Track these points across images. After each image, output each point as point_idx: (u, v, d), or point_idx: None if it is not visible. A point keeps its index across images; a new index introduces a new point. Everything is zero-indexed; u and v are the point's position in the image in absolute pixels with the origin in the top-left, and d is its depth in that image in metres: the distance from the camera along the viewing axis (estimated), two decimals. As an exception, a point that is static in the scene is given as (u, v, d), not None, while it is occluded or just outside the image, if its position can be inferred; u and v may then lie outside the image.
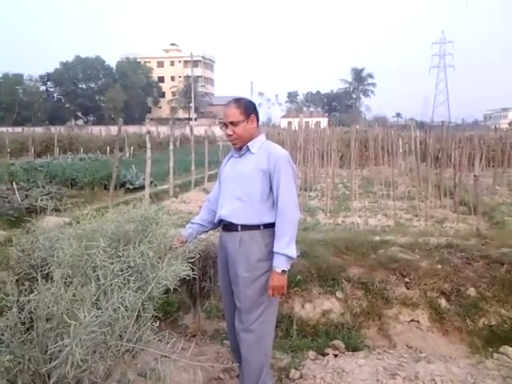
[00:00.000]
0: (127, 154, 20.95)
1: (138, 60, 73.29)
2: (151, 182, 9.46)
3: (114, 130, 28.87)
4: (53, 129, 29.91)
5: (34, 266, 2.31)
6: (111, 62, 73.59)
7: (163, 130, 30.63)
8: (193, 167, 12.42)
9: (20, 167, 13.66)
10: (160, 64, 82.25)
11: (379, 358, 3.55)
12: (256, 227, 2.69)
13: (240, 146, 2.80)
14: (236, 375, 3.27)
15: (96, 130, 30.88)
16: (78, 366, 1.59)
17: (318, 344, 3.87)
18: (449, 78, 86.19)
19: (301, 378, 3.29)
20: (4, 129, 29.67)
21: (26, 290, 1.95)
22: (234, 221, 2.72)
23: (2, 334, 1.82)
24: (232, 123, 2.74)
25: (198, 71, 77.22)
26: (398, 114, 73.88)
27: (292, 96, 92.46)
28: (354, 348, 3.80)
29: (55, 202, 7.91)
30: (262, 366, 2.76)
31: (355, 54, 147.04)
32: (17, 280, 2.23)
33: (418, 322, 4.22)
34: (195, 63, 72.42)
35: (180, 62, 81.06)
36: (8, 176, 11.89)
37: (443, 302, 4.31)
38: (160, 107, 77.20)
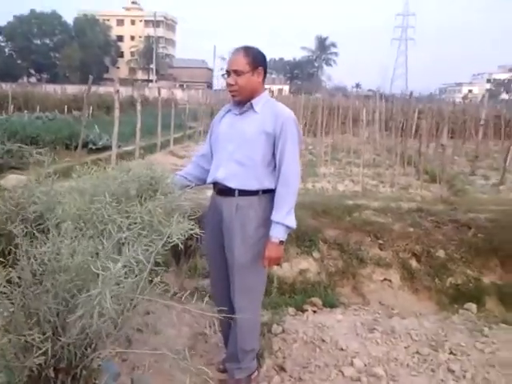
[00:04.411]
0: (86, 114, 20.23)
1: (97, 17, 69.75)
2: (115, 143, 9.24)
3: (70, 88, 27.74)
4: (4, 85, 28.31)
5: (27, 220, 2.27)
6: (68, 18, 70.01)
7: (121, 90, 29.60)
8: (159, 129, 12.23)
9: (-25, 124, 13.02)
10: (120, 22, 78.50)
11: (356, 314, 3.76)
12: (254, 193, 2.50)
13: (240, 99, 2.51)
14: (219, 330, 3.36)
15: (50, 88, 29.52)
16: (102, 315, 1.61)
17: (296, 301, 4.02)
18: (408, 50, 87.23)
19: (283, 332, 3.42)
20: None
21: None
22: (232, 185, 2.50)
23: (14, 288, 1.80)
24: (236, 72, 2.45)
25: (160, 32, 74.38)
26: (358, 85, 74.79)
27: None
28: (330, 305, 3.99)
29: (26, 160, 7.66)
30: (257, 324, 2.79)
31: (319, 22, 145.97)
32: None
33: (390, 281, 4.47)
34: (157, 23, 69.90)
35: (141, 21, 77.70)
36: (-39, 133, 11.33)
37: (414, 263, 4.58)
38: (118, 67, 74.13)
